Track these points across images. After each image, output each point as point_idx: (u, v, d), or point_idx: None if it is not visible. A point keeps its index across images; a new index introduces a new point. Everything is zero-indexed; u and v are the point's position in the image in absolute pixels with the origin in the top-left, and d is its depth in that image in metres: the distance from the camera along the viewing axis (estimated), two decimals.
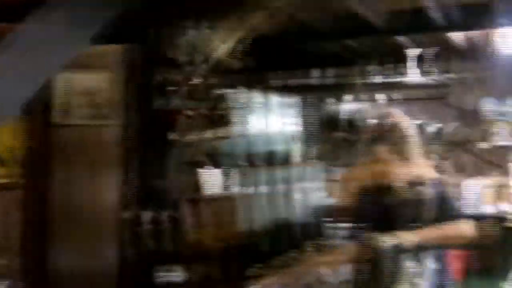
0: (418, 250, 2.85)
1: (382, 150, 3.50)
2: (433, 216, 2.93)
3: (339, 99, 7.16)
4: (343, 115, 7.22)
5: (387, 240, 2.80)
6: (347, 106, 7.12)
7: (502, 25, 5.12)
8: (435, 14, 4.84)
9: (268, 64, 6.51)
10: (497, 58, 6.66)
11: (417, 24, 5.21)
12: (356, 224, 3.25)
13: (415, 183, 3.22)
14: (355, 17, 5.09)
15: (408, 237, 2.83)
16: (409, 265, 2.84)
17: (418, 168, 3.35)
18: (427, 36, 6.10)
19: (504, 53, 6.47)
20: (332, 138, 7.70)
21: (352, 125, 7.18)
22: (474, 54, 6.81)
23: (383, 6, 5.17)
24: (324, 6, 5.12)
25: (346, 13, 5.03)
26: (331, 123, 7.51)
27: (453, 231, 3.07)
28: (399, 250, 2.82)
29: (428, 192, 2.99)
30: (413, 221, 2.92)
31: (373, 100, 7.00)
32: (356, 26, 5.37)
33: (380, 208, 3.07)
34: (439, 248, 2.97)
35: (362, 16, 5.01)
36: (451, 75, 7.08)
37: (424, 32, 5.66)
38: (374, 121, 3.67)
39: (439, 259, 2.97)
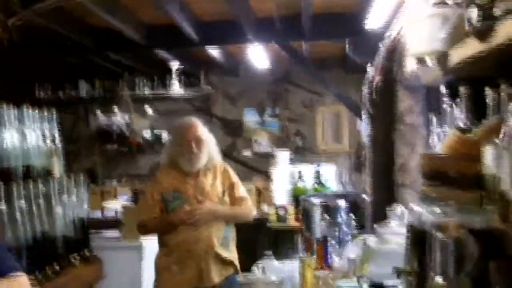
0: None
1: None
2: None
3: (108, 112, 7.16)
4: (113, 127, 7.23)
5: None
6: (117, 118, 7.14)
7: (252, 41, 5.55)
8: (189, 30, 5.10)
9: (24, 76, 6.36)
10: (255, 72, 7.23)
11: (173, 39, 5.45)
12: None
13: None
14: (114, 32, 5.17)
15: None
16: None
17: None
18: (186, 51, 6.40)
19: (260, 68, 7.04)
20: (103, 151, 7.70)
21: (122, 136, 7.24)
22: (234, 68, 7.30)
23: (141, 21, 5.32)
24: (81, 20, 5.15)
25: (106, 28, 5.09)
26: (102, 135, 7.50)
27: None
28: None
29: None
30: None
31: (141, 112, 7.13)
32: (116, 40, 5.46)
33: None
34: None
35: (121, 31, 5.09)
36: (213, 88, 7.50)
37: (180, 47, 5.92)
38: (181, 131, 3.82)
39: None
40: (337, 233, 3.17)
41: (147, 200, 3.75)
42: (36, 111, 3.81)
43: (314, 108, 7.76)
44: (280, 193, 6.93)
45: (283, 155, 7.21)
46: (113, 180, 7.42)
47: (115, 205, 5.43)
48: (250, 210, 3.82)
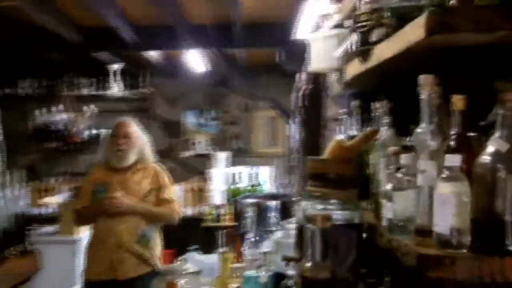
0: None
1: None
2: None
3: (48, 110, 7.22)
4: (52, 126, 7.29)
5: None
6: (56, 117, 7.21)
7: (187, 47, 5.75)
8: (126, 33, 5.25)
9: None
10: (194, 75, 7.42)
11: (110, 42, 5.59)
12: None
13: None
14: (52, 33, 5.28)
15: None
16: None
17: None
18: (125, 53, 6.54)
19: (199, 71, 7.23)
20: (43, 149, 7.75)
21: (62, 135, 7.30)
22: (173, 70, 7.47)
23: (78, 23, 5.44)
24: (17, 20, 5.22)
25: (41, 28, 5.19)
26: (41, 133, 7.55)
27: None
28: None
29: None
30: None
31: (81, 111, 7.22)
32: (54, 41, 5.56)
33: None
34: None
35: (55, 32, 5.20)
36: (152, 89, 7.65)
37: (115, 49, 6.07)
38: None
39: None
40: (257, 230, 3.41)
41: (81, 192, 3.97)
42: None
43: (251, 111, 8.00)
44: (217, 194, 7.16)
45: (221, 157, 7.44)
46: (53, 177, 7.48)
47: (53, 201, 5.55)
48: (172, 211, 3.93)
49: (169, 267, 2.75)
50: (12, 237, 3.98)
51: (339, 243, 1.60)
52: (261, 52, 6.50)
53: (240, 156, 7.90)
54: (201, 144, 7.95)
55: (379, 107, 1.89)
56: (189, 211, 7.09)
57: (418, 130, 1.40)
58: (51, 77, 7.38)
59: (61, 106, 7.18)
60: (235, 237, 3.16)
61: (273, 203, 4.21)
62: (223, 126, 8.01)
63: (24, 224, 4.23)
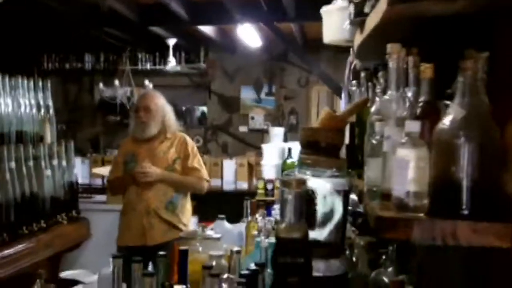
0: None
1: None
2: None
3: (110, 84, 7.50)
4: (115, 99, 7.57)
5: None
6: (119, 91, 7.47)
7: (239, 22, 5.83)
8: (179, 9, 5.39)
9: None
10: (251, 50, 7.50)
11: (165, 17, 5.76)
12: None
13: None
14: (110, 10, 5.49)
15: None
16: None
17: None
18: (181, 28, 6.70)
19: (255, 46, 7.31)
20: (106, 121, 8.09)
21: (123, 109, 7.58)
22: (230, 45, 7.58)
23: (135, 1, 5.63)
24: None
25: (99, 5, 5.41)
26: (104, 106, 7.87)
27: None
28: None
29: None
30: None
31: (141, 85, 7.45)
32: (112, 18, 5.79)
33: None
34: None
35: (115, 9, 5.40)
36: (210, 64, 7.80)
37: (169, 25, 6.24)
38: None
39: None
40: None
41: (114, 163, 4.28)
42: (32, 81, 4.13)
43: (309, 87, 8.02)
44: (270, 168, 7.24)
45: (276, 132, 7.50)
46: (114, 150, 7.79)
47: (105, 172, 5.80)
48: (199, 180, 4.09)
49: (190, 232, 2.88)
50: (63, 205, 4.21)
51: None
52: (318, 26, 6.48)
53: (297, 131, 7.94)
54: (257, 119, 8.05)
55: (378, 78, 1.93)
56: (244, 185, 7.23)
57: (385, 97, 1.44)
58: (113, 52, 7.67)
59: (122, 80, 7.43)
60: (260, 207, 3.24)
61: None
62: (280, 101, 8.08)
63: (75, 192, 4.46)
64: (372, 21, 1.65)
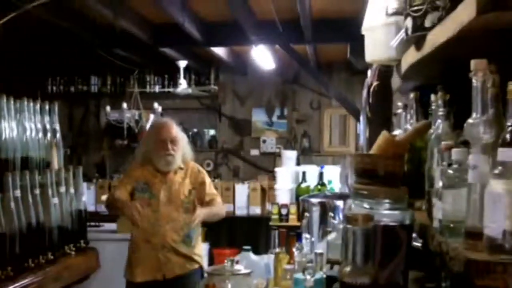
0: None
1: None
2: None
3: (117, 107, 7.34)
4: (122, 123, 7.40)
5: None
6: (126, 114, 7.31)
7: (255, 43, 5.68)
8: (193, 30, 5.25)
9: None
10: (263, 72, 7.35)
11: (178, 39, 5.61)
12: None
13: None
14: (121, 30, 5.34)
15: None
16: None
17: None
18: (194, 50, 6.56)
19: (267, 68, 7.16)
20: (113, 145, 7.91)
21: (130, 132, 7.41)
22: (242, 67, 7.44)
23: (147, 21, 5.49)
24: (86, 18, 5.32)
25: (111, 25, 5.26)
26: (111, 130, 7.70)
27: None
28: None
29: None
30: None
31: (150, 108, 7.29)
32: (122, 38, 5.64)
33: None
34: None
35: (127, 30, 5.26)
36: (221, 87, 7.65)
37: (183, 45, 6.09)
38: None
39: None
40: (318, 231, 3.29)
41: (121, 183, 3.91)
42: (38, 104, 3.95)
43: (322, 110, 7.86)
44: (284, 193, 7.05)
45: (289, 155, 7.32)
46: (121, 175, 7.60)
47: None
48: (223, 206, 3.95)
49: (219, 267, 2.66)
50: (70, 235, 3.99)
51: (384, 246, 1.47)
52: (332, 48, 6.36)
53: (309, 154, 7.78)
54: (269, 142, 7.88)
55: (436, 99, 1.75)
56: (257, 210, 7.04)
57: (470, 121, 1.25)
58: (121, 75, 7.52)
59: (130, 103, 7.27)
60: (290, 237, 3.04)
61: (338, 203, 4.06)
62: (292, 124, 7.91)
63: (84, 221, 4.25)
64: (440, 35, 1.46)
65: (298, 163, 7.31)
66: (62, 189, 3.95)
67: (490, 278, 1.14)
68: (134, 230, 3.75)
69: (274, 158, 7.68)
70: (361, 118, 5.14)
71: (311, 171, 6.93)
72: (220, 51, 6.42)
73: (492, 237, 1.14)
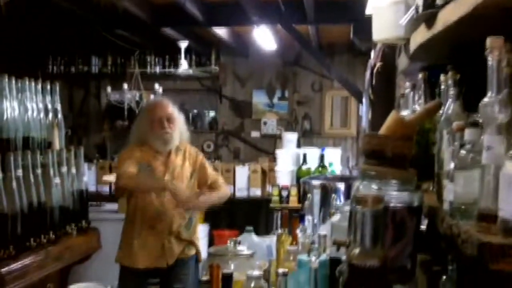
0: None
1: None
2: None
3: (118, 88, 7.29)
4: (123, 104, 7.36)
5: None
6: (127, 95, 7.26)
7: (257, 23, 5.62)
8: (194, 10, 5.19)
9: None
10: (264, 54, 7.29)
11: (179, 19, 5.55)
12: None
13: None
14: (121, 10, 5.29)
15: None
16: None
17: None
18: (195, 30, 6.50)
19: (269, 49, 7.10)
20: (113, 126, 7.87)
21: (131, 113, 7.36)
22: (243, 48, 7.38)
23: (147, 0, 5.43)
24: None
25: (111, 6, 5.20)
26: (112, 111, 7.66)
27: None
28: None
29: None
30: None
31: (151, 89, 7.24)
32: (123, 18, 5.58)
33: None
34: None
35: (128, 9, 5.20)
36: (222, 68, 7.60)
37: (184, 26, 6.03)
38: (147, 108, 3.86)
39: None
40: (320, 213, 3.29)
41: (125, 161, 3.59)
42: (39, 84, 3.91)
43: (323, 91, 7.82)
44: (285, 175, 7.03)
45: (290, 137, 7.29)
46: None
47: (113, 179, 5.59)
48: (226, 187, 3.87)
49: (221, 249, 2.64)
50: (71, 215, 3.96)
51: (394, 228, 1.44)
52: (334, 29, 6.31)
53: (310, 136, 7.75)
54: (270, 124, 7.85)
55: (446, 79, 1.71)
56: (257, 192, 7.03)
57: (484, 100, 1.22)
58: (121, 55, 7.46)
59: (131, 84, 7.22)
60: (293, 218, 3.02)
61: (339, 185, 4.06)
62: (293, 106, 7.88)
63: (85, 201, 4.22)
64: (453, 13, 1.42)
65: (298, 145, 7.28)
66: (64, 169, 3.92)
67: (505, 261, 1.11)
68: (137, 211, 3.64)
69: (275, 140, 7.65)
70: (364, 100, 5.11)
71: (312, 153, 6.91)
72: (221, 31, 6.35)
73: (507, 219, 1.12)
